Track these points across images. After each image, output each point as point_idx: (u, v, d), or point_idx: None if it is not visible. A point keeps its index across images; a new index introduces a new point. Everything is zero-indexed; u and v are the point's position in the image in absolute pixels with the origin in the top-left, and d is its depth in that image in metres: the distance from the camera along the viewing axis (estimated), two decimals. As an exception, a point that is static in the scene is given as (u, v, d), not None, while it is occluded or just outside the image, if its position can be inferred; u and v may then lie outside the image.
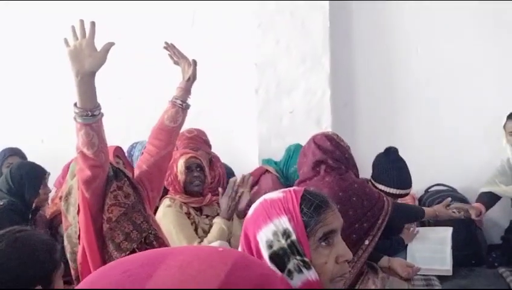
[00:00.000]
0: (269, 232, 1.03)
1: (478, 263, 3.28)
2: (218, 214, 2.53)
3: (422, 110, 3.85)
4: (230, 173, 3.32)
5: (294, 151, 3.39)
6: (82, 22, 1.75)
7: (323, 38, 3.66)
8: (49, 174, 3.00)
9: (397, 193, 2.66)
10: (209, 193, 2.70)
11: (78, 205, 1.92)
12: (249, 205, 2.06)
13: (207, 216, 2.62)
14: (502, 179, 3.24)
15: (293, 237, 1.02)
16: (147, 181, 2.11)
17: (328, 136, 2.48)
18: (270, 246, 1.02)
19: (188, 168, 2.60)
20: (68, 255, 1.99)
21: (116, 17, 3.79)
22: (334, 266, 1.04)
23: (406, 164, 2.70)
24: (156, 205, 2.40)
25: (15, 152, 3.49)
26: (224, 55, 3.83)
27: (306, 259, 1.01)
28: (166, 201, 2.58)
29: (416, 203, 3.53)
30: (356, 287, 2.26)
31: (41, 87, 4.02)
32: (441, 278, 2.94)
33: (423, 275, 2.87)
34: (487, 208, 3.11)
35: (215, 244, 2.27)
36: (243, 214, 2.43)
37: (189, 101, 2.19)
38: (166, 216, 2.50)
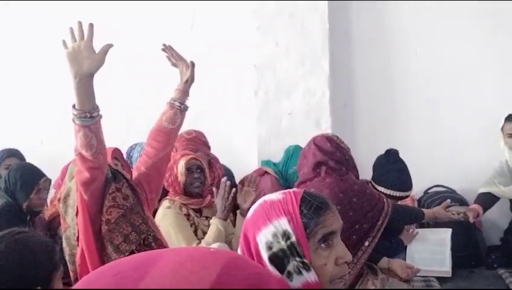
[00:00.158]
0: (269, 233, 1.02)
1: (477, 264, 3.27)
2: (218, 216, 2.53)
3: (422, 111, 3.85)
4: (229, 175, 3.31)
5: (293, 152, 3.39)
6: (80, 23, 1.75)
7: (323, 39, 3.66)
8: (46, 179, 2.88)
9: (397, 195, 2.65)
10: (208, 195, 2.70)
11: (77, 207, 1.92)
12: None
13: (206, 218, 2.62)
14: (501, 180, 3.24)
15: (293, 238, 1.01)
16: (146, 183, 2.11)
17: (328, 138, 2.48)
18: (269, 248, 1.02)
19: (189, 169, 2.60)
20: (67, 257, 1.99)
21: (116, 18, 3.79)
22: (334, 268, 1.04)
23: (406, 166, 2.69)
24: (154, 207, 2.40)
25: (13, 153, 3.47)
26: (223, 56, 3.82)
27: (306, 261, 1.01)
28: (165, 203, 2.58)
29: (416, 204, 3.52)
30: (356, 289, 2.26)
31: (40, 89, 4.01)
32: (440, 280, 2.94)
33: (422, 276, 2.88)
34: (485, 209, 3.10)
35: (215, 246, 2.26)
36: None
37: (188, 102, 2.18)
38: (166, 218, 2.50)
